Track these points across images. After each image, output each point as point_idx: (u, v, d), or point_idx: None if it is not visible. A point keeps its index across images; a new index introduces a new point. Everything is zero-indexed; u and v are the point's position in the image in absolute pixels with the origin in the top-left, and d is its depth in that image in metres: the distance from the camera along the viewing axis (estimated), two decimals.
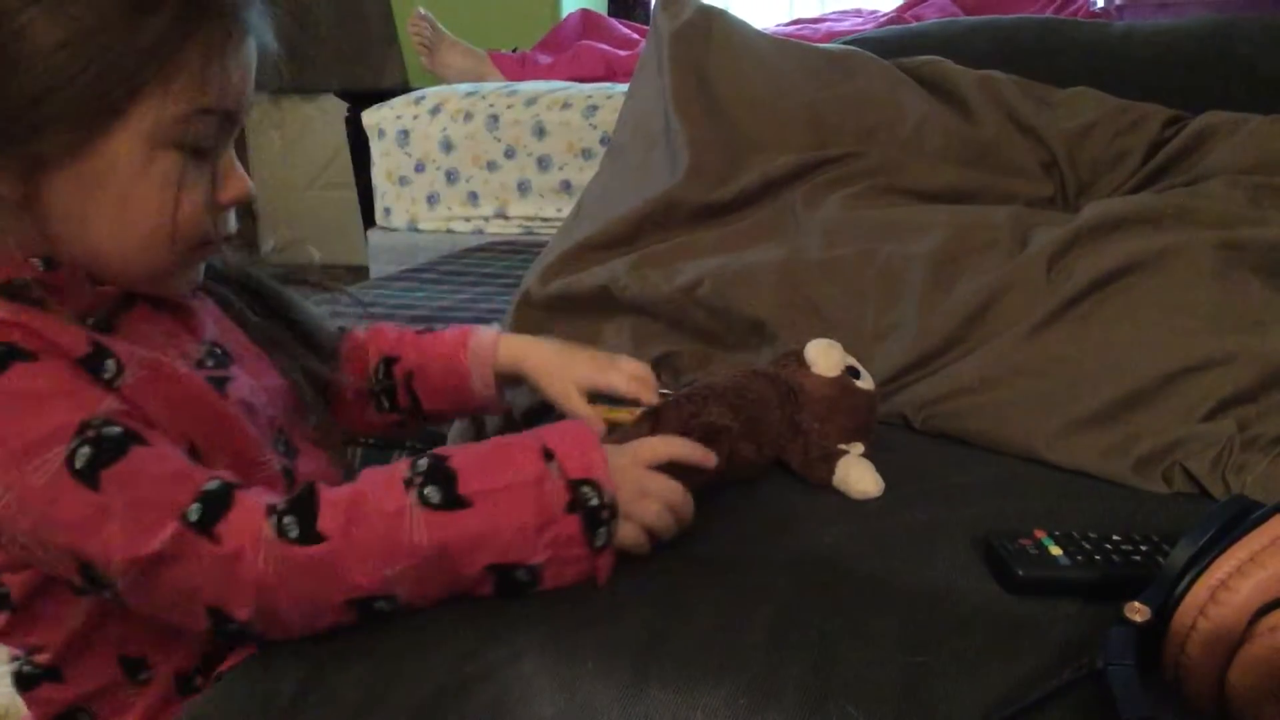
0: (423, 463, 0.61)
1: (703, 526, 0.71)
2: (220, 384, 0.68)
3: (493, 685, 0.57)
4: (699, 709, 0.54)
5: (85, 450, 0.56)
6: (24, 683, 0.68)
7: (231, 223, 0.68)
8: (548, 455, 0.62)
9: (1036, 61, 1.43)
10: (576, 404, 0.80)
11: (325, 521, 0.58)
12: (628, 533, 0.63)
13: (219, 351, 0.71)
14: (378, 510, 0.59)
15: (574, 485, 0.61)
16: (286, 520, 0.58)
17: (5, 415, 0.57)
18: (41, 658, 0.67)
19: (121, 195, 0.61)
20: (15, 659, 0.68)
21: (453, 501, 0.59)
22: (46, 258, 0.61)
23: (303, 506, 0.59)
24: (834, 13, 2.51)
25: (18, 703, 0.69)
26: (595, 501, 0.61)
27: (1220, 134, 1.25)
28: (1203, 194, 1.14)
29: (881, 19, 2.22)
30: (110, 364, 0.60)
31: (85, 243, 0.62)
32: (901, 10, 2.25)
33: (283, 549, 0.57)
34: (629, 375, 0.80)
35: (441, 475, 0.60)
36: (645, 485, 0.65)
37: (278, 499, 0.60)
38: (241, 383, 0.70)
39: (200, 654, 0.68)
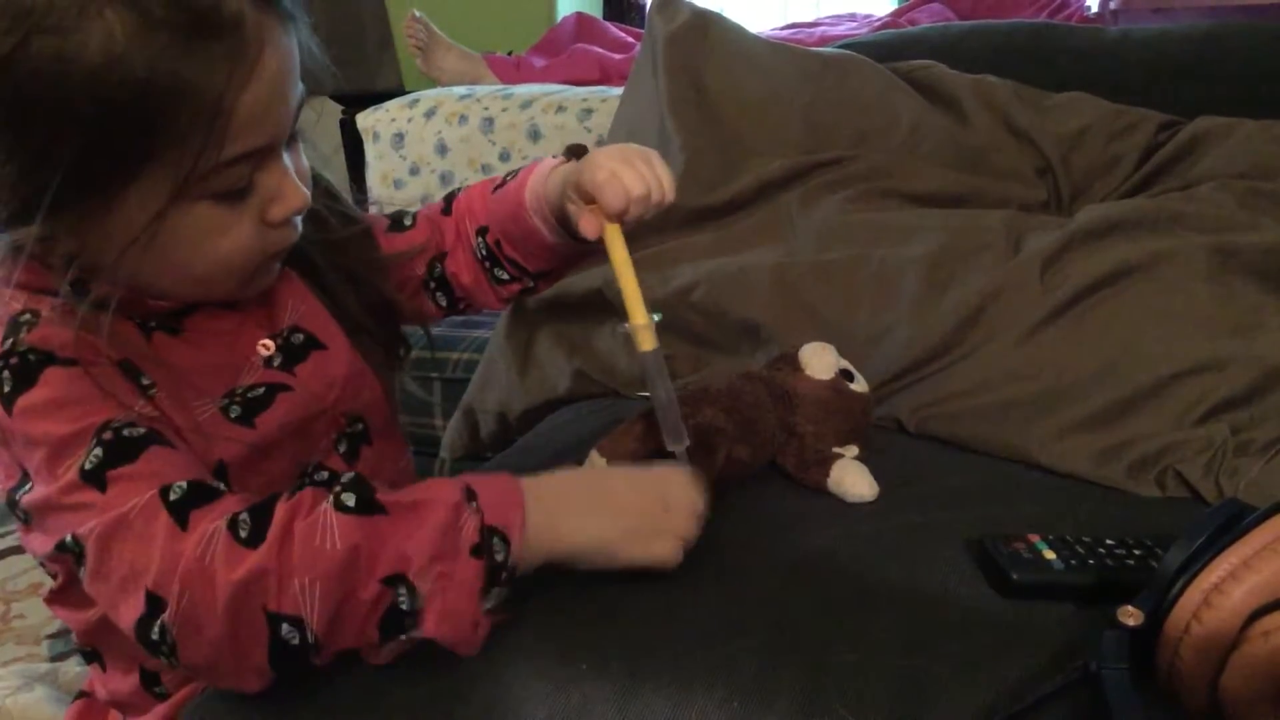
0: (348, 475, 0.59)
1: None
2: (264, 404, 0.66)
3: (487, 686, 0.57)
4: (693, 711, 0.54)
5: (97, 452, 0.56)
6: (84, 657, 0.73)
7: (296, 229, 0.66)
8: (470, 495, 0.58)
9: (1031, 66, 1.44)
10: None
11: (269, 530, 0.54)
12: (665, 547, 0.62)
13: (298, 339, 0.71)
14: (301, 520, 0.55)
15: (486, 531, 0.56)
16: (242, 517, 0.55)
17: (39, 420, 0.56)
18: (74, 636, 0.72)
19: (159, 249, 0.58)
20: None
21: (367, 506, 0.56)
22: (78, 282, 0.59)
23: (261, 512, 0.55)
24: (828, 17, 2.51)
25: (5, 705, 0.70)
26: (500, 557, 0.56)
27: (1213, 139, 1.25)
28: (1196, 199, 1.14)
29: (876, 23, 2.22)
30: (144, 379, 0.61)
31: (138, 283, 0.61)
32: (896, 15, 2.25)
33: (228, 546, 0.53)
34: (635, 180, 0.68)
35: (362, 485, 0.57)
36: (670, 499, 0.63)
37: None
38: (298, 395, 0.68)
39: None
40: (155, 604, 0.54)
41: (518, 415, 1.14)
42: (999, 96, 1.36)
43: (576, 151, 0.76)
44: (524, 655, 0.58)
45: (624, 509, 0.62)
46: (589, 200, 0.69)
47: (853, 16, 2.45)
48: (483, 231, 0.82)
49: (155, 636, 0.54)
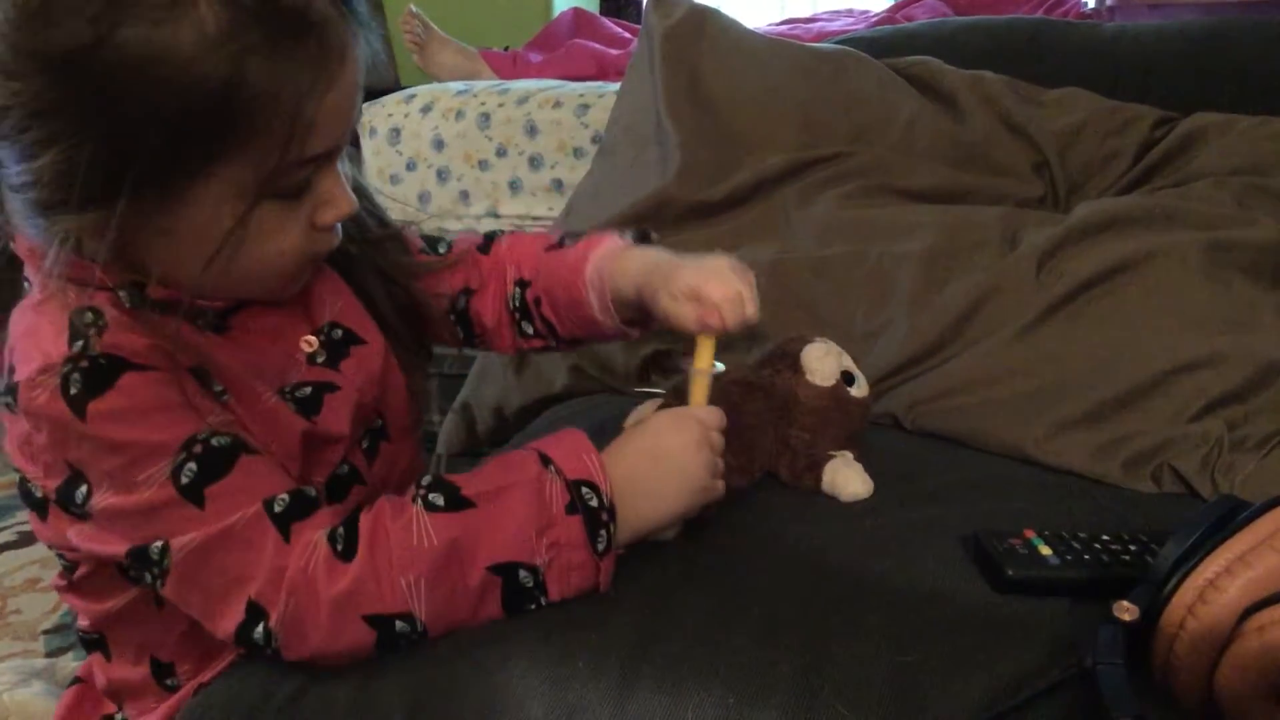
0: (426, 479, 0.62)
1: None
2: (315, 403, 0.67)
3: (484, 685, 0.57)
4: (689, 708, 0.54)
5: (191, 466, 0.56)
6: (85, 645, 0.74)
7: (338, 234, 0.66)
8: (545, 460, 0.62)
9: (1027, 62, 1.44)
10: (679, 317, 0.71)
11: (359, 542, 0.58)
12: (720, 485, 0.68)
13: (339, 334, 0.71)
14: (392, 524, 0.59)
15: (573, 486, 0.60)
16: (339, 531, 0.58)
17: (118, 427, 0.56)
18: (83, 623, 0.72)
19: (216, 248, 0.58)
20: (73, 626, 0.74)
21: (457, 503, 0.60)
22: (134, 285, 0.59)
23: (350, 526, 0.59)
24: (825, 12, 2.51)
25: (2, 700, 0.70)
26: (595, 503, 0.60)
27: (1209, 135, 1.26)
28: (1192, 195, 1.14)
29: (873, 19, 2.22)
30: (215, 384, 0.61)
31: (188, 283, 0.60)
32: (893, 10, 2.25)
33: (328, 559, 0.57)
34: (719, 297, 0.69)
35: (445, 484, 0.61)
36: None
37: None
38: (346, 393, 0.69)
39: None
40: (256, 611, 0.57)
41: (514, 411, 1.14)
42: (995, 92, 1.36)
43: (644, 236, 0.79)
44: (521, 653, 0.58)
45: (683, 468, 0.65)
46: (694, 298, 0.70)
47: (850, 12, 2.45)
48: (523, 284, 0.82)
49: (259, 640, 0.57)
